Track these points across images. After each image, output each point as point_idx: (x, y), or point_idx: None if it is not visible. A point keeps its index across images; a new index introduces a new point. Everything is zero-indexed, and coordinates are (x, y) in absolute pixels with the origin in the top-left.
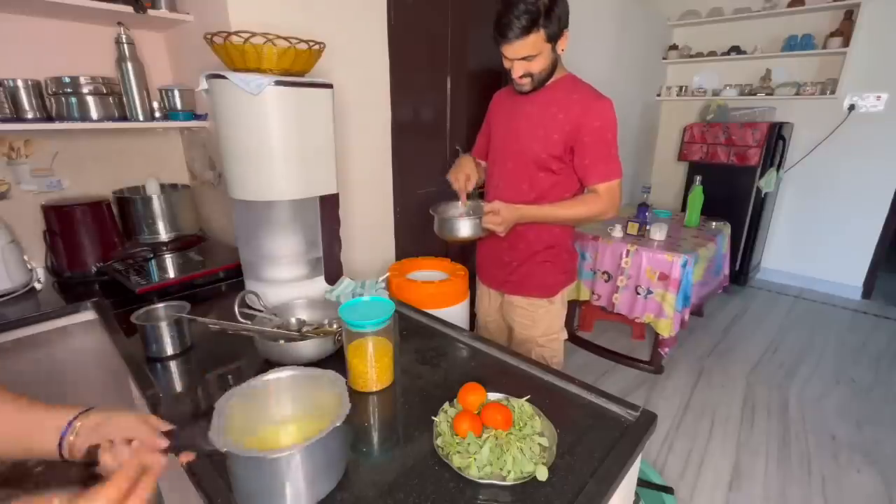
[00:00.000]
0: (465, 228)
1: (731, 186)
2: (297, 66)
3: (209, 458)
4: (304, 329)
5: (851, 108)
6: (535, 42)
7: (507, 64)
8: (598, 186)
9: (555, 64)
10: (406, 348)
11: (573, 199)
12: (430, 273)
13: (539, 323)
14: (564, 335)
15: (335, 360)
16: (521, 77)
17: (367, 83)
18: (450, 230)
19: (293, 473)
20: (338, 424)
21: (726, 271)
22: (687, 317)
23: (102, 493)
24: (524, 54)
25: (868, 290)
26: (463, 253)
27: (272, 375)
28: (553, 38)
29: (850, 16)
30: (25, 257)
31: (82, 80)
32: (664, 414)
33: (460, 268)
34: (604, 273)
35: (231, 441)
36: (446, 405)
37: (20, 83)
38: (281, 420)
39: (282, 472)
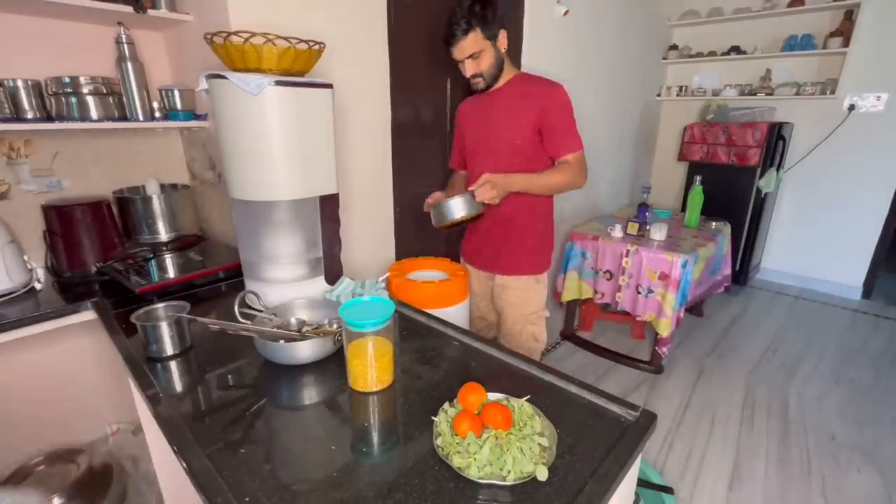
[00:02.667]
0: (460, 207)
1: (731, 186)
2: (297, 66)
3: (209, 458)
4: (304, 329)
5: (851, 108)
6: (474, 40)
7: (460, 68)
8: (567, 157)
9: (501, 62)
10: (406, 348)
11: (552, 168)
12: (430, 273)
13: (530, 301)
14: (547, 314)
15: (335, 360)
16: (473, 76)
17: (367, 83)
18: (447, 212)
19: None
20: None
21: (727, 271)
22: (682, 315)
23: None
24: (469, 52)
25: (868, 290)
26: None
27: None
28: (492, 37)
29: (850, 16)
30: (25, 257)
31: (82, 80)
32: (664, 414)
33: (460, 268)
34: (605, 272)
35: None
36: (446, 405)
37: (20, 83)
38: None
39: None
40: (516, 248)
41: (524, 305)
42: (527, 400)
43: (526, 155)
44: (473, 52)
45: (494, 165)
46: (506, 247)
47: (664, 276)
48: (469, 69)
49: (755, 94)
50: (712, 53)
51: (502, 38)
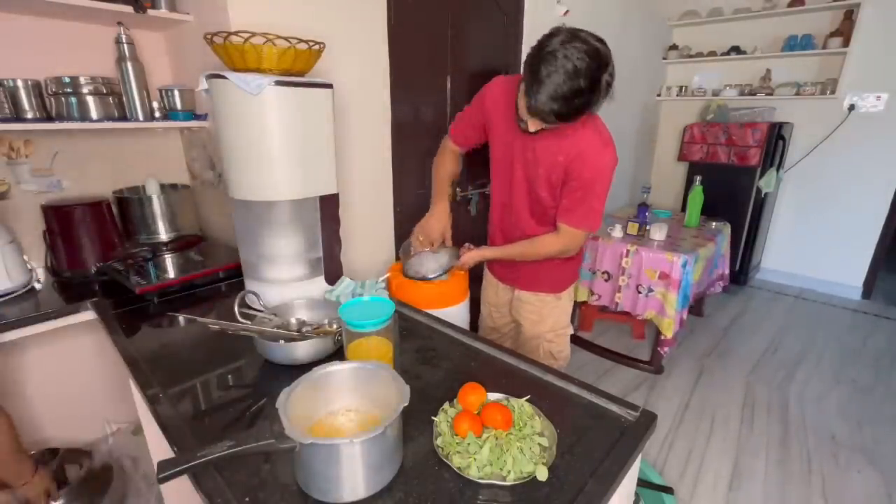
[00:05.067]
0: (437, 271)
1: (731, 186)
2: (297, 66)
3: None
4: (304, 329)
5: (851, 108)
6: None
7: (521, 113)
8: (563, 226)
9: None
10: (406, 348)
11: (533, 240)
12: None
13: (547, 318)
14: (571, 330)
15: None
16: (534, 130)
17: (367, 83)
18: (423, 272)
19: (358, 460)
20: (398, 414)
21: (726, 271)
22: (685, 316)
23: None
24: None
25: (868, 290)
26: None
27: (331, 368)
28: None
29: (850, 16)
30: (25, 257)
31: (82, 80)
32: (664, 414)
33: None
34: (604, 273)
35: (297, 431)
36: (446, 405)
37: (20, 83)
38: (338, 410)
39: (348, 459)
40: (537, 265)
41: (540, 322)
42: (527, 400)
43: (546, 206)
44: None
45: (523, 217)
46: (526, 265)
47: (664, 276)
48: (534, 126)
49: (755, 94)
50: (712, 53)
51: None
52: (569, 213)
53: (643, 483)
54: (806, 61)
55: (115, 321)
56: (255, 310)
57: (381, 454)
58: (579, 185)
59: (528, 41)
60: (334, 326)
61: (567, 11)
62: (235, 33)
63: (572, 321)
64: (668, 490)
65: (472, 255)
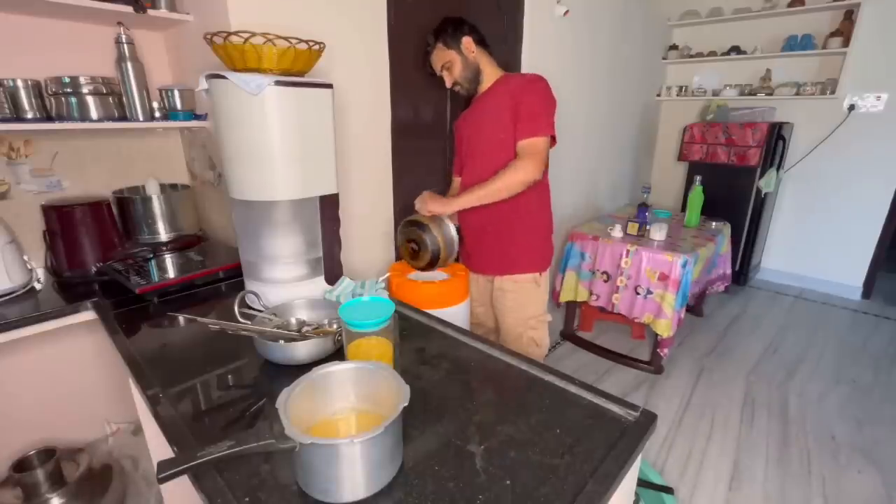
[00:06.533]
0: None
1: (731, 186)
2: (297, 66)
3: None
4: (304, 329)
5: (851, 108)
6: (439, 54)
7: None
8: (522, 143)
9: (474, 67)
10: (406, 348)
11: (496, 174)
12: (430, 273)
13: (528, 305)
14: (549, 318)
15: (335, 361)
16: (452, 86)
17: (367, 83)
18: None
19: (358, 460)
20: (398, 414)
21: (727, 271)
22: (683, 315)
23: None
24: (439, 65)
25: (868, 290)
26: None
27: (331, 368)
28: (454, 46)
29: (850, 16)
30: (25, 257)
31: (82, 80)
32: (664, 414)
33: (460, 268)
34: (603, 273)
35: (297, 431)
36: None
37: (20, 83)
38: (338, 410)
39: (348, 459)
40: (511, 245)
41: (522, 309)
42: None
43: (509, 146)
44: (443, 63)
45: (482, 164)
46: (500, 246)
47: (664, 277)
48: (447, 81)
49: (755, 94)
50: (712, 53)
51: (467, 44)
52: (523, 127)
53: (643, 483)
54: (806, 61)
55: (116, 321)
56: (255, 310)
57: (381, 454)
58: (526, 104)
59: (529, 41)
60: (334, 326)
61: (567, 11)
62: (235, 33)
63: (572, 321)
64: (668, 490)
65: (434, 198)
